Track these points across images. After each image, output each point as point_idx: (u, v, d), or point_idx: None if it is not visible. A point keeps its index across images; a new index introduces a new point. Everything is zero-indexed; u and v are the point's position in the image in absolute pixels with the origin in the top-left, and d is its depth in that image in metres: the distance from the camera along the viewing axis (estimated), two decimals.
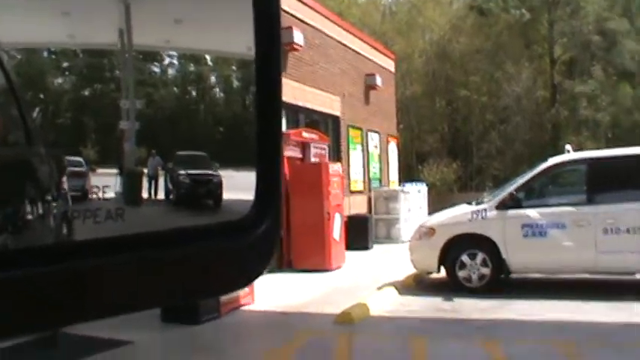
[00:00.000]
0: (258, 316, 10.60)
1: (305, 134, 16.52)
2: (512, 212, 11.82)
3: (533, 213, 11.70)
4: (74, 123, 1.16)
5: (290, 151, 15.38)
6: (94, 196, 1.07)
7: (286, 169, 14.90)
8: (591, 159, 12.37)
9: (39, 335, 7.69)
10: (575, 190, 12.58)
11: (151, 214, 1.20)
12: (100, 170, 1.11)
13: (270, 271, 13.41)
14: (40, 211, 1.03)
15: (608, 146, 27.84)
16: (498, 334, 9.07)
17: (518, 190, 12.07)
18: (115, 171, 1.15)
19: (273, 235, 1.24)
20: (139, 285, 1.06)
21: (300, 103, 16.74)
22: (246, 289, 10.51)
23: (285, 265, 14.82)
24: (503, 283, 12.14)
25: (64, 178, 1.06)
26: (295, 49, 16.18)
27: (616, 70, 38.00)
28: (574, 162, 12.61)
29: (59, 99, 1.14)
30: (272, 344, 8.86)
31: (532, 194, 12.22)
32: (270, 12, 1.26)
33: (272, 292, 11.73)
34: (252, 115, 1.31)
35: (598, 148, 24.08)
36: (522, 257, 11.78)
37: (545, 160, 12.77)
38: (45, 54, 1.10)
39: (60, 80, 1.15)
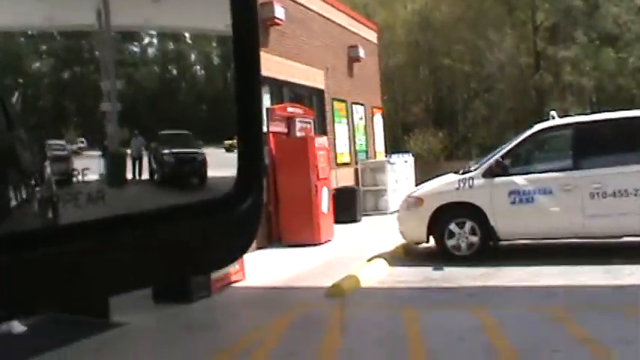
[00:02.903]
0: (250, 292, 10.64)
1: (290, 109, 16.46)
2: (498, 180, 11.84)
3: (519, 180, 11.74)
4: (55, 106, 1.15)
5: (275, 127, 15.33)
6: (77, 179, 1.06)
7: (272, 145, 14.89)
8: (576, 124, 12.41)
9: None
10: (561, 155, 12.59)
11: (135, 194, 1.20)
12: (83, 153, 1.10)
13: (260, 247, 13.46)
14: (24, 196, 1.03)
15: (592, 111, 27.91)
16: (489, 300, 9.14)
17: (504, 157, 12.07)
18: (98, 153, 1.14)
19: (257, 210, 1.25)
20: (127, 266, 1.07)
21: (284, 78, 16.65)
22: (237, 266, 10.54)
23: (275, 240, 14.85)
24: (492, 250, 12.21)
25: (47, 162, 1.06)
26: (277, 24, 16.06)
27: (598, 35, 37.96)
28: (559, 127, 12.62)
29: (39, 82, 1.13)
30: (265, 319, 8.90)
31: (518, 161, 12.25)
32: None
33: (262, 268, 11.77)
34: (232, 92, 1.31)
35: (583, 113, 24.19)
36: (510, 224, 11.82)
37: (530, 126, 12.80)
38: (22, 38, 1.09)
39: (38, 64, 1.14)
